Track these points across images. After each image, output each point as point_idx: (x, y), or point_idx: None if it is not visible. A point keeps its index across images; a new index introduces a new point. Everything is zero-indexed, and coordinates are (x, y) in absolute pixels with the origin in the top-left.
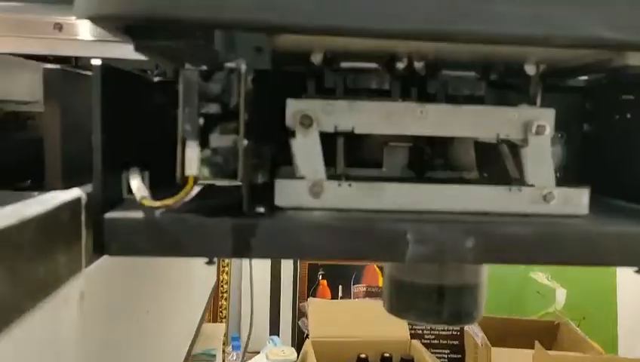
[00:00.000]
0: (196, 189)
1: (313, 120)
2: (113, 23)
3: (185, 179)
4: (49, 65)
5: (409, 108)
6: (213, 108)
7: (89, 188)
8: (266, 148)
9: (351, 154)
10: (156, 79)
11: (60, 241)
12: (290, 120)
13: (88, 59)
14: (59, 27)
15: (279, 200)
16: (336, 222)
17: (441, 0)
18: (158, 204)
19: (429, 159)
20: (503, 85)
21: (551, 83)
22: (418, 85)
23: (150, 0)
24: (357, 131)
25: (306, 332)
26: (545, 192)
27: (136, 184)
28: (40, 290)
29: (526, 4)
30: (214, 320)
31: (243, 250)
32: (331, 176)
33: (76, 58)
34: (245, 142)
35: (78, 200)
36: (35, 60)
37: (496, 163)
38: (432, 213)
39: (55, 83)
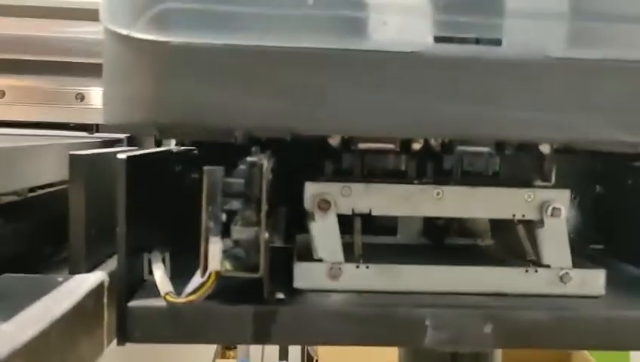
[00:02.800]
0: None
1: (331, 203)
2: (142, 129)
3: (205, 271)
4: (75, 152)
5: (426, 191)
6: (235, 205)
7: (110, 264)
8: (281, 211)
9: (365, 220)
10: (175, 149)
11: (84, 328)
12: (308, 203)
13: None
14: (80, 97)
15: (298, 282)
16: (355, 308)
17: (466, 109)
18: (181, 300)
19: (443, 225)
20: (518, 160)
21: None
22: (434, 161)
23: (176, 111)
24: (374, 213)
25: (315, 357)
26: (561, 273)
27: (160, 276)
28: None
29: (548, 111)
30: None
31: (263, 336)
32: (347, 246)
33: (97, 125)
34: (266, 235)
35: (101, 285)
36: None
37: (511, 232)
38: (449, 294)
39: (80, 168)
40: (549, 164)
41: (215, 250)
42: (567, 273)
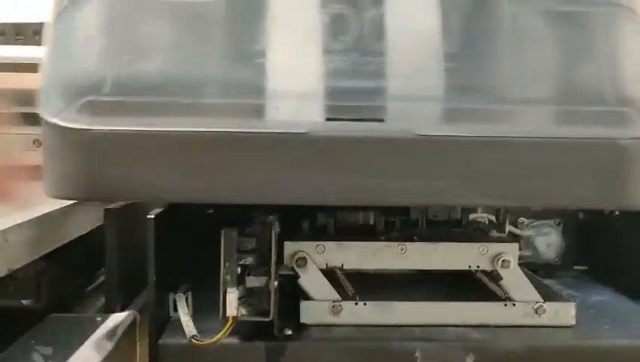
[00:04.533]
0: None
1: (307, 260)
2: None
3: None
4: (110, 206)
5: (391, 247)
6: (249, 260)
7: (139, 301)
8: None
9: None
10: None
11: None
12: (287, 260)
13: None
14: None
15: (304, 318)
16: (354, 342)
17: (350, 179)
18: (205, 342)
19: None
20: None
21: None
22: (400, 214)
23: (102, 187)
24: (346, 267)
25: None
26: (536, 306)
27: (185, 320)
28: None
29: (417, 179)
30: None
31: None
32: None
33: None
34: (275, 283)
35: (134, 323)
36: None
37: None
38: (437, 327)
39: (114, 220)
40: (502, 222)
41: (232, 299)
42: (541, 306)
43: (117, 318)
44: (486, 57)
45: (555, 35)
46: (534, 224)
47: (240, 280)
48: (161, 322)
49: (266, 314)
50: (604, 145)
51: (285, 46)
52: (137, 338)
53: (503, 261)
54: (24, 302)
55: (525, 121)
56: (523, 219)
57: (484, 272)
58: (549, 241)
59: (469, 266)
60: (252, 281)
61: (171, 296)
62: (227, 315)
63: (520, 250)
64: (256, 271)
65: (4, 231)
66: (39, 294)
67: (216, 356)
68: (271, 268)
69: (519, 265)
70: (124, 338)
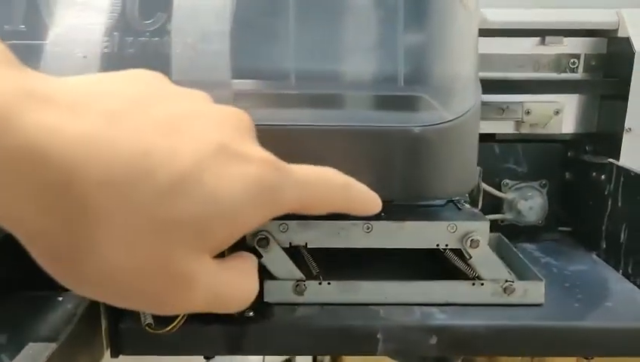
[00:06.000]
0: None
1: (269, 240)
2: None
3: None
4: None
5: (356, 226)
6: None
7: None
8: None
9: None
10: None
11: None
12: (250, 240)
13: None
14: None
15: (268, 297)
16: (315, 322)
17: None
18: (159, 331)
19: None
20: None
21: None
22: None
23: None
24: (310, 246)
25: None
26: (505, 285)
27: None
28: None
29: None
30: None
31: (235, 349)
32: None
33: None
34: None
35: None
36: None
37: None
38: (404, 306)
39: None
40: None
41: None
42: (510, 285)
43: (78, 297)
44: (269, 38)
45: (347, 12)
46: (518, 186)
47: None
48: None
49: None
50: (396, 134)
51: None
52: (102, 318)
53: (471, 240)
54: None
55: (313, 106)
56: (507, 181)
57: (453, 251)
58: (532, 204)
59: (437, 245)
60: None
61: None
62: None
63: (503, 213)
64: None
65: None
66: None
67: (175, 339)
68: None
69: (501, 226)
70: (87, 320)
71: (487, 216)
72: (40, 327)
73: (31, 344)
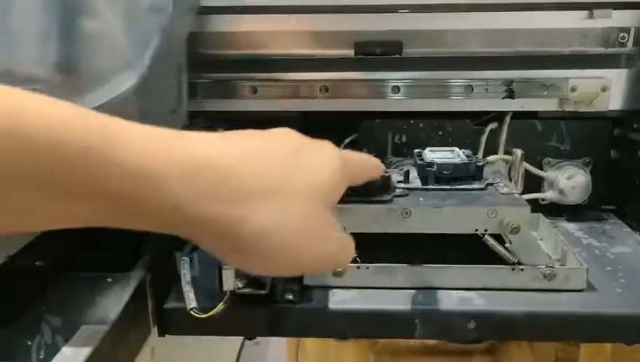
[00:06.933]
0: None
1: None
2: None
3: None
4: None
5: (394, 211)
6: None
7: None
8: None
9: None
10: None
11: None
12: None
13: None
14: None
15: (307, 280)
16: (355, 306)
17: None
18: (204, 316)
19: None
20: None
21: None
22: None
23: None
24: (349, 231)
25: None
26: (546, 271)
27: (186, 290)
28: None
29: None
30: None
31: (275, 330)
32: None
33: None
34: None
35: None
36: None
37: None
38: (442, 290)
39: None
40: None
41: (228, 275)
42: (551, 271)
43: (126, 278)
44: None
45: None
46: (561, 164)
47: None
48: (168, 283)
49: (263, 286)
50: None
51: None
52: (149, 298)
53: (512, 226)
54: (37, 263)
55: None
56: (549, 159)
57: (493, 235)
58: (575, 183)
59: (476, 230)
60: None
61: (178, 255)
62: (224, 290)
63: (544, 192)
64: None
65: None
66: (50, 255)
67: (220, 320)
68: None
69: (542, 205)
70: (135, 301)
71: (527, 195)
72: (92, 309)
73: (84, 326)
